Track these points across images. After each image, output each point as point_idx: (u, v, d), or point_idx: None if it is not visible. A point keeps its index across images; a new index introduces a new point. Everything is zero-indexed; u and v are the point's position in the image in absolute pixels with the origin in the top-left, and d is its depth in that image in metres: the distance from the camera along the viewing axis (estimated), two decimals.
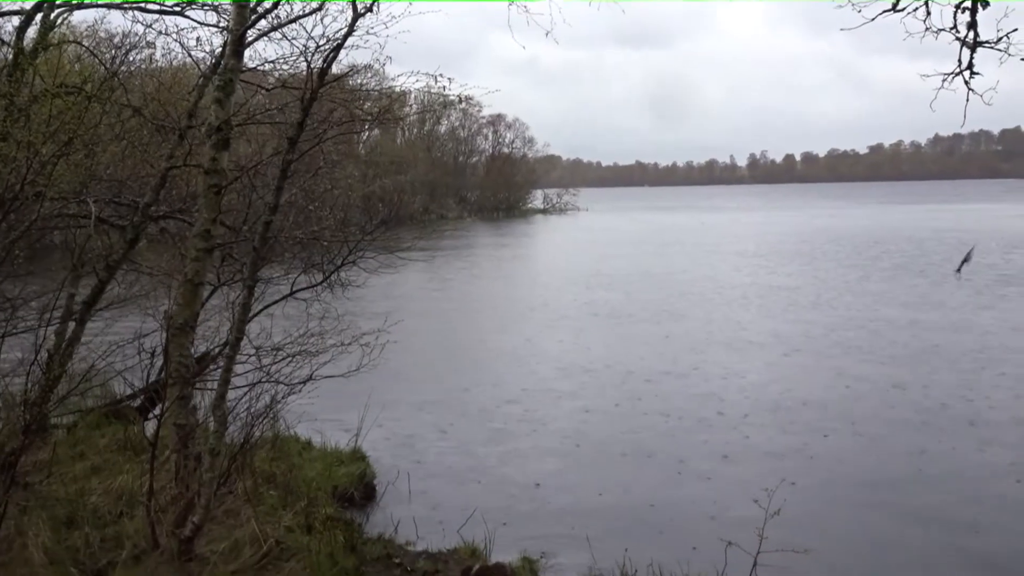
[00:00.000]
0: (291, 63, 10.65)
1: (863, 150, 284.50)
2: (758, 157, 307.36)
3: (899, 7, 6.07)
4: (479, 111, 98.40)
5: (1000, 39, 5.93)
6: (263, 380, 9.64)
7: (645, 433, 13.02)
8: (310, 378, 9.85)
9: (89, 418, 11.37)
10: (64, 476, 9.33)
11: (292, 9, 8.35)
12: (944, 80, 6.26)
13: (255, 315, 9.57)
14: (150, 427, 10.42)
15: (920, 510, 9.93)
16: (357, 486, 10.21)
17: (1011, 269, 33.15)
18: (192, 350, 8.51)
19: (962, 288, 28.01)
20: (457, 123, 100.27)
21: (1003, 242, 45.18)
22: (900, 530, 9.39)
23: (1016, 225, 60.12)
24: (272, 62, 10.84)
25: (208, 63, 10.67)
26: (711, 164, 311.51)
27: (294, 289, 10.69)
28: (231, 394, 8.54)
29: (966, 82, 6.20)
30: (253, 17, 8.05)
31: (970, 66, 6.20)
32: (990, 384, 15.45)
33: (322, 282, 10.78)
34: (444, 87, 9.25)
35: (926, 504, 10.10)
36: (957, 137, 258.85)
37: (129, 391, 11.77)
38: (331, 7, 7.88)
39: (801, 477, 10.74)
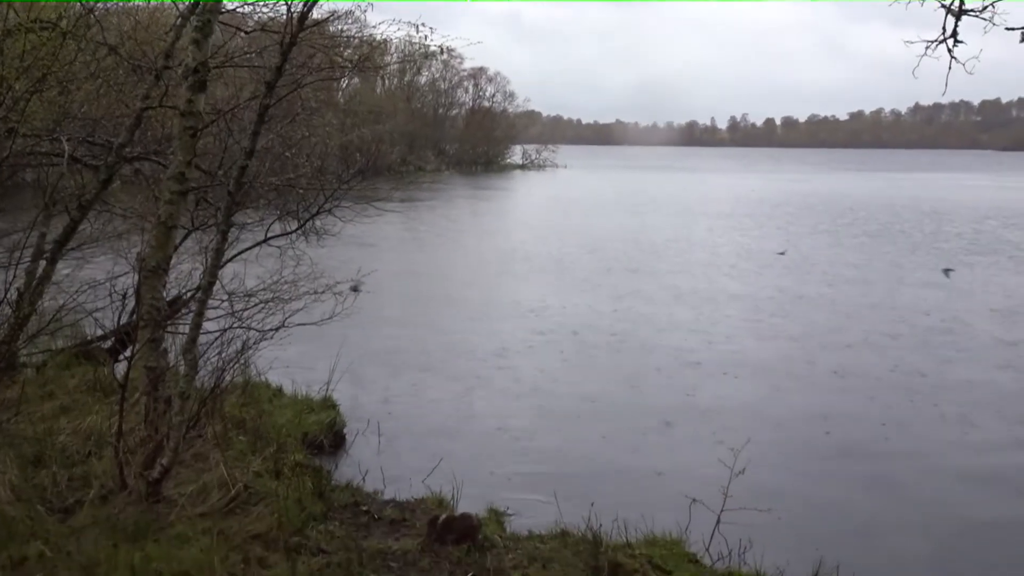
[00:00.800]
0: (271, 6, 10.54)
1: (843, 117, 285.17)
2: (738, 120, 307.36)
3: None
4: (460, 63, 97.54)
5: (985, 7, 5.94)
6: (235, 326, 9.64)
7: (615, 389, 13.12)
8: (282, 325, 9.85)
9: (59, 358, 11.31)
10: (32, 415, 9.29)
11: None
12: (927, 47, 6.27)
13: (228, 260, 9.54)
14: (120, 369, 10.41)
15: (883, 474, 10.07)
16: (326, 434, 10.24)
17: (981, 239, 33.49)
18: (164, 293, 8.46)
19: (929, 255, 28.27)
20: (438, 75, 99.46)
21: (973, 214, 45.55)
22: (861, 492, 9.54)
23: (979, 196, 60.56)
24: (252, 4, 10.72)
25: (186, 3, 10.51)
26: (691, 125, 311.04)
27: (268, 236, 10.68)
28: (202, 339, 8.51)
29: (949, 50, 6.22)
30: None
31: (954, 34, 6.21)
32: (956, 349, 15.64)
33: (297, 230, 10.77)
34: (425, 37, 9.19)
35: (889, 468, 10.24)
36: (937, 107, 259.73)
37: (100, 332, 11.70)
38: None
39: (767, 437, 10.85)
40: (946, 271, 24.97)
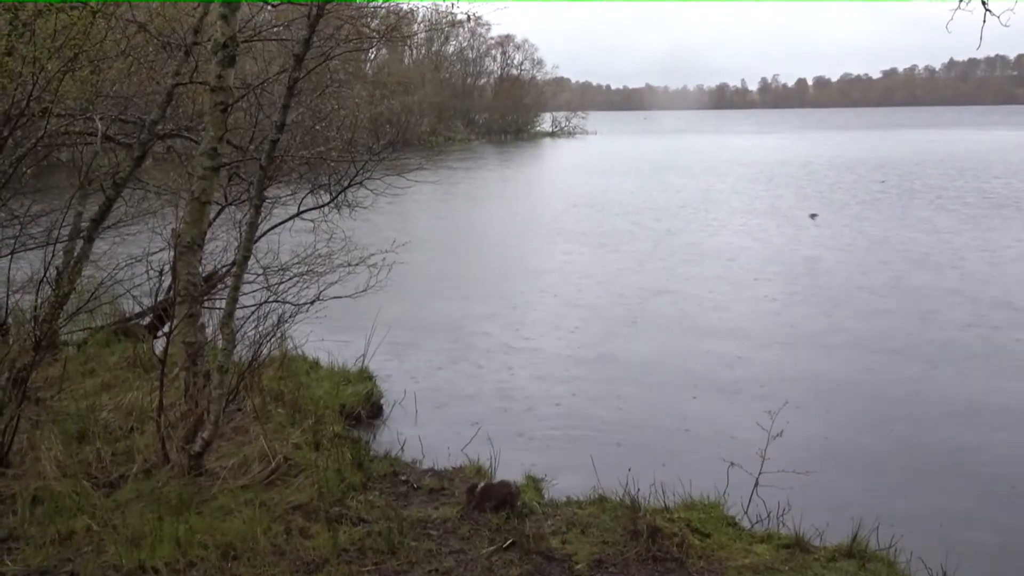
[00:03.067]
0: None
1: (877, 75, 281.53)
2: (769, 81, 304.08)
3: None
4: (487, 31, 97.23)
5: None
6: (270, 300, 9.71)
7: (649, 355, 13.10)
8: (317, 298, 9.91)
9: (99, 336, 11.46)
10: (75, 392, 9.44)
11: None
12: (961, 0, 6.16)
13: (262, 235, 9.60)
14: (159, 345, 10.54)
15: (924, 436, 10.01)
16: (364, 405, 10.31)
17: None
18: (200, 269, 8.54)
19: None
20: (465, 44, 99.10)
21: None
22: (900, 454, 9.49)
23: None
24: None
25: None
26: (721, 88, 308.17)
27: (301, 209, 10.73)
28: (239, 313, 8.58)
29: (983, 2, 6.11)
30: None
31: None
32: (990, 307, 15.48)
33: (329, 203, 10.81)
34: (452, 4, 9.13)
35: (930, 430, 10.18)
36: (972, 62, 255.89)
37: (138, 309, 11.85)
38: None
39: (804, 399, 10.80)
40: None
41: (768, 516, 7.31)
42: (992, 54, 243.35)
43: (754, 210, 30.44)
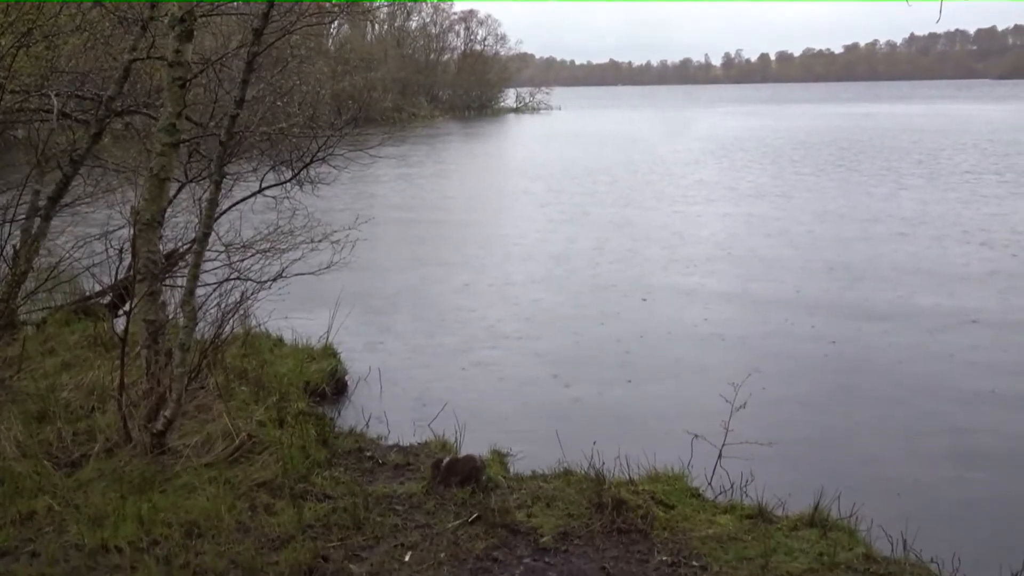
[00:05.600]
0: None
1: (838, 50, 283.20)
2: (733, 57, 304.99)
3: None
4: (450, 7, 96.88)
5: None
6: (233, 277, 9.64)
7: (614, 327, 13.15)
8: (280, 275, 9.86)
9: (58, 315, 11.33)
10: (34, 372, 9.34)
11: None
12: None
13: (224, 212, 9.50)
14: (120, 323, 10.43)
15: (881, 406, 10.14)
16: (328, 382, 10.28)
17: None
18: (161, 247, 8.46)
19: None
20: (428, 19, 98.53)
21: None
22: (861, 424, 9.60)
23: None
24: None
25: None
26: (685, 63, 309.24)
27: (263, 186, 10.64)
28: (201, 291, 8.53)
29: None
30: None
31: None
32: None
33: (291, 179, 10.73)
34: None
35: (888, 399, 10.31)
36: (932, 37, 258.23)
37: (98, 288, 11.71)
38: None
39: (768, 370, 10.89)
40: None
41: (731, 487, 7.37)
42: (952, 29, 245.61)
43: (705, 182, 30.57)
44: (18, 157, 13.19)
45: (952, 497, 7.91)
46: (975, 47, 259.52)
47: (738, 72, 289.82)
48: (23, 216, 10.34)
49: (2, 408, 8.10)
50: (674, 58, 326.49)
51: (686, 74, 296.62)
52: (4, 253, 8.96)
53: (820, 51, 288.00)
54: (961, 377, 10.98)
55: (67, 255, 11.54)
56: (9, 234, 9.55)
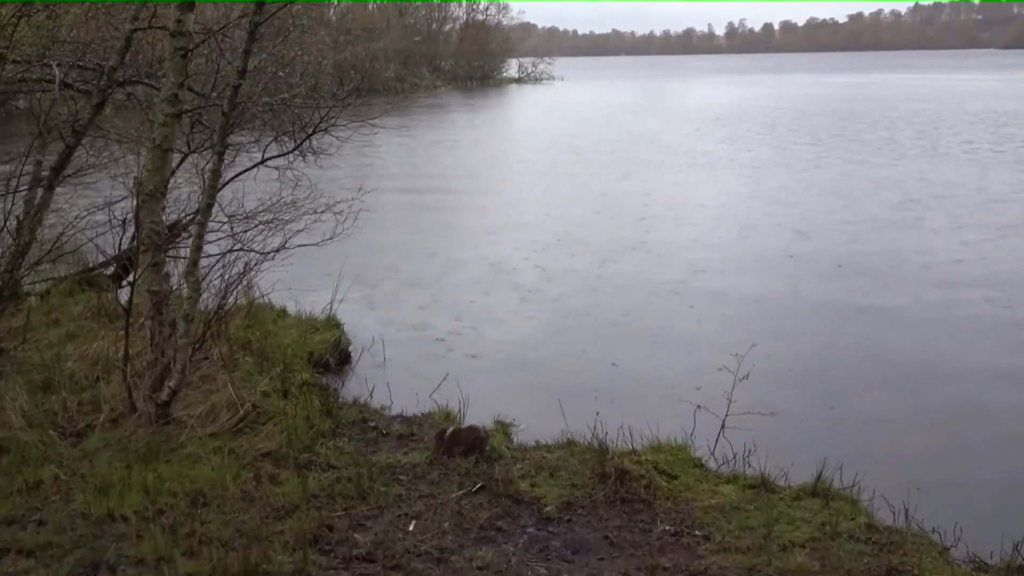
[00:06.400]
0: None
1: (842, 19, 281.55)
2: (736, 26, 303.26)
3: None
4: None
5: None
6: (236, 248, 9.63)
7: (617, 299, 13.14)
8: (283, 246, 9.84)
9: (62, 285, 11.36)
10: (39, 343, 9.36)
11: None
12: None
13: (227, 183, 9.49)
14: (124, 294, 10.44)
15: (885, 376, 10.15)
16: (332, 353, 10.30)
17: None
18: (164, 218, 8.45)
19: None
20: None
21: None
22: (864, 395, 9.62)
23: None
24: None
25: None
26: (688, 33, 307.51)
27: (265, 157, 10.61)
28: (204, 262, 8.53)
29: None
30: None
31: None
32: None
33: (294, 150, 10.70)
34: None
35: (891, 369, 10.32)
36: (937, 6, 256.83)
37: (101, 259, 11.73)
38: None
39: (771, 340, 10.90)
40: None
41: (734, 457, 7.40)
42: None
43: (707, 152, 30.48)
44: (20, 127, 13.17)
45: (955, 468, 7.93)
46: (980, 16, 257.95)
47: (741, 42, 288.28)
48: (26, 187, 10.32)
49: (7, 378, 8.13)
50: (677, 28, 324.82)
51: (689, 44, 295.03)
52: (7, 224, 8.95)
53: (824, 20, 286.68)
54: (971, 351, 10.95)
55: (70, 226, 11.54)
56: (12, 205, 9.53)
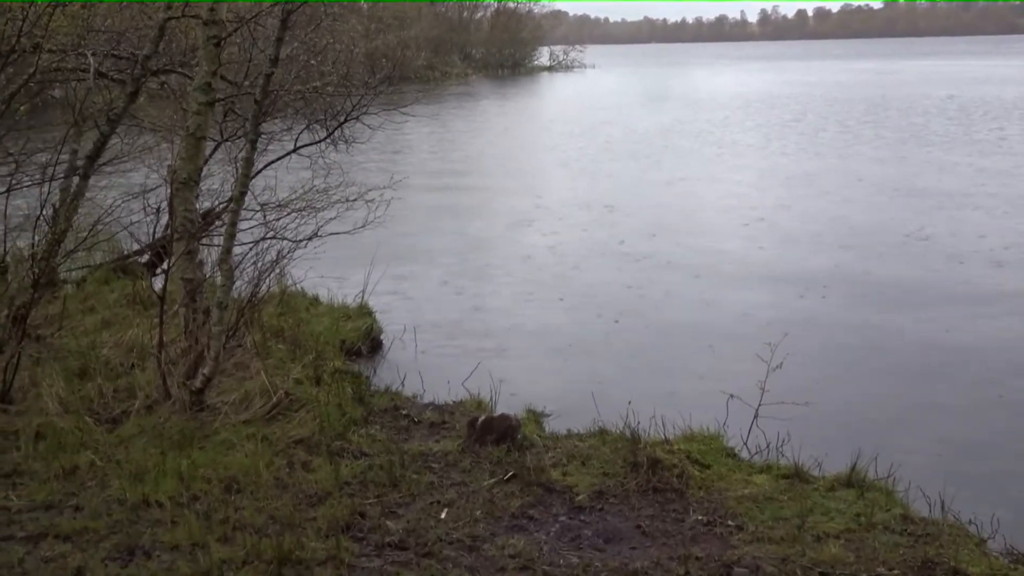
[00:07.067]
0: None
1: (878, 5, 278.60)
2: (769, 13, 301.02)
3: None
4: None
5: None
6: (268, 236, 9.68)
7: (649, 286, 13.10)
8: (316, 234, 9.88)
9: (98, 273, 11.46)
10: (75, 330, 9.46)
11: None
12: None
13: (259, 171, 9.54)
14: (158, 282, 10.53)
15: (920, 365, 10.05)
16: (364, 340, 10.34)
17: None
18: (197, 206, 8.50)
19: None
20: None
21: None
22: (900, 384, 9.52)
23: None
24: None
25: None
26: (721, 20, 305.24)
27: (298, 145, 10.64)
28: (237, 250, 8.57)
29: None
30: None
31: None
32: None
33: (326, 138, 10.72)
34: None
35: (928, 361, 10.21)
36: None
37: (136, 247, 11.82)
38: None
39: (804, 329, 10.82)
40: None
41: (767, 447, 7.35)
42: None
43: (740, 142, 30.27)
44: (56, 116, 13.27)
45: (993, 460, 7.84)
46: (1019, 1, 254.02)
47: (774, 29, 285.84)
48: (62, 175, 10.42)
49: (44, 365, 8.22)
50: (709, 15, 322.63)
51: (721, 31, 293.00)
52: (43, 212, 9.03)
53: (859, 7, 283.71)
54: (1011, 346, 10.79)
55: (105, 214, 11.63)
56: (48, 193, 9.62)
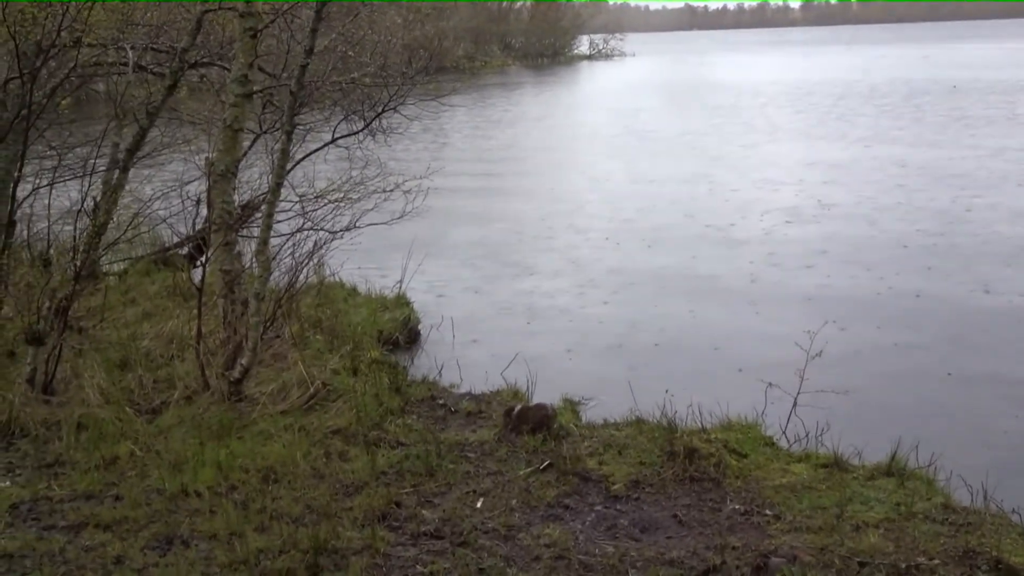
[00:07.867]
0: None
1: None
2: None
3: None
4: None
5: None
6: (306, 227, 9.73)
7: (686, 279, 13.00)
8: (353, 225, 9.92)
9: (138, 265, 11.60)
10: (116, 321, 9.57)
11: None
12: None
13: (297, 163, 9.59)
14: (197, 274, 10.61)
15: (962, 355, 9.89)
16: (401, 331, 10.36)
17: None
18: (236, 197, 8.56)
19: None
20: None
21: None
22: (941, 372, 9.38)
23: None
24: None
25: None
26: (762, 7, 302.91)
27: (335, 136, 10.69)
28: (275, 241, 8.63)
29: None
30: None
31: None
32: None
33: (363, 129, 10.74)
34: None
35: (969, 348, 10.05)
36: None
37: (175, 239, 11.93)
38: None
39: (844, 318, 10.69)
40: None
41: (806, 436, 7.27)
42: None
43: (782, 128, 29.96)
44: (98, 110, 13.42)
45: None
46: None
47: (817, 15, 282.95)
48: (103, 168, 10.53)
49: (86, 356, 8.32)
50: (751, 1, 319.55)
51: (763, 17, 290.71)
52: (85, 205, 9.13)
53: None
54: None
55: (145, 207, 11.76)
56: (89, 186, 9.73)
